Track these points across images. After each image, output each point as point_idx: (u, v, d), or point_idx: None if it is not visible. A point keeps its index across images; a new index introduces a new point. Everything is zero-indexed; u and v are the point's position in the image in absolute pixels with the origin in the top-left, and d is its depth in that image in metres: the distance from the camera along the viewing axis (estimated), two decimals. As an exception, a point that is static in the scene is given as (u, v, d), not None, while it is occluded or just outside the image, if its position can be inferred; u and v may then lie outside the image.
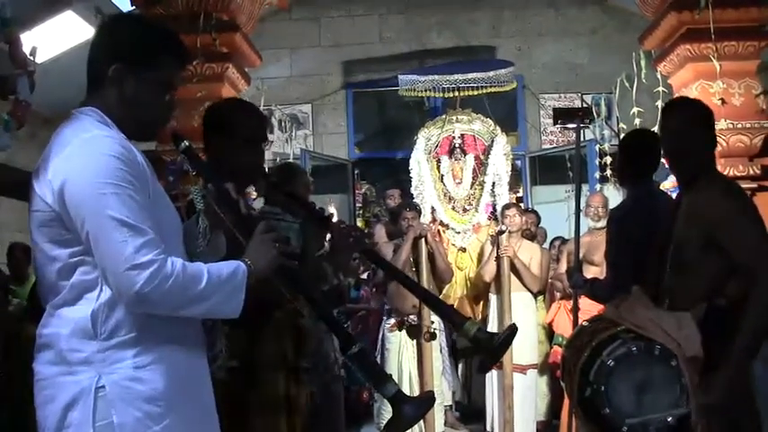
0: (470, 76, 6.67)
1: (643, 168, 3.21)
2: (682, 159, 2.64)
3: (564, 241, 6.23)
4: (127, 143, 1.71)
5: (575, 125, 4.27)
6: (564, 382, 2.78)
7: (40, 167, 1.69)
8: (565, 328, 5.22)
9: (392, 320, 5.25)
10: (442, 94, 6.84)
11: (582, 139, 7.80)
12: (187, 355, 1.76)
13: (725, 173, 4.32)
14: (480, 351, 2.31)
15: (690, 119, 2.62)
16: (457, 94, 6.74)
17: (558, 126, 5.59)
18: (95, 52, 1.79)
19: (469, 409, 6.33)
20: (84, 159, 1.62)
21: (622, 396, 2.35)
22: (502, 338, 2.21)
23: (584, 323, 2.80)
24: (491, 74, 6.74)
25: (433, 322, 5.20)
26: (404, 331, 5.19)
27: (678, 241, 2.55)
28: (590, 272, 4.59)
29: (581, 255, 4.62)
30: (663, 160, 5.42)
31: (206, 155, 2.41)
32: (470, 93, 6.81)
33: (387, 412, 5.17)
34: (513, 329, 2.26)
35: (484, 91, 6.75)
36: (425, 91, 6.79)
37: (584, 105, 7.04)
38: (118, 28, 1.82)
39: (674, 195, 3.56)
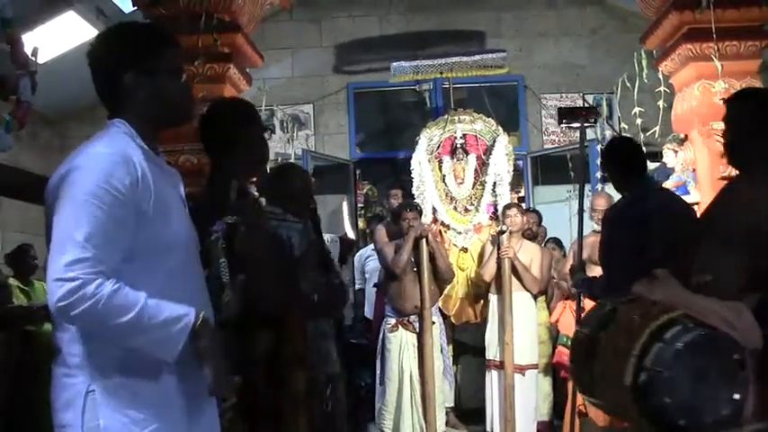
0: (458, 59, 6.96)
1: (627, 173, 3.36)
2: (738, 149, 2.59)
3: (559, 243, 6.25)
4: (130, 159, 1.72)
5: (579, 124, 4.31)
6: (570, 378, 2.73)
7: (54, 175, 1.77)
8: (570, 328, 5.20)
9: (392, 321, 5.24)
10: (431, 76, 7.18)
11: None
12: (178, 364, 1.75)
13: (725, 173, 4.32)
14: None
15: (751, 110, 2.57)
16: (448, 74, 6.92)
17: (562, 126, 5.59)
18: (102, 69, 1.84)
19: (461, 411, 6.31)
20: (71, 174, 1.68)
21: (681, 385, 2.17)
22: None
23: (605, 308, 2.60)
24: (477, 58, 7.03)
25: (434, 322, 5.20)
26: (404, 331, 5.18)
27: (726, 228, 2.46)
28: (594, 272, 4.58)
29: (586, 255, 4.62)
30: (663, 161, 5.42)
31: (211, 150, 2.53)
32: (461, 74, 7.05)
33: (387, 412, 5.18)
34: None
35: (475, 72, 6.96)
36: (416, 74, 7.06)
37: (588, 105, 7.07)
38: (112, 40, 1.87)
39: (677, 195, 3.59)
